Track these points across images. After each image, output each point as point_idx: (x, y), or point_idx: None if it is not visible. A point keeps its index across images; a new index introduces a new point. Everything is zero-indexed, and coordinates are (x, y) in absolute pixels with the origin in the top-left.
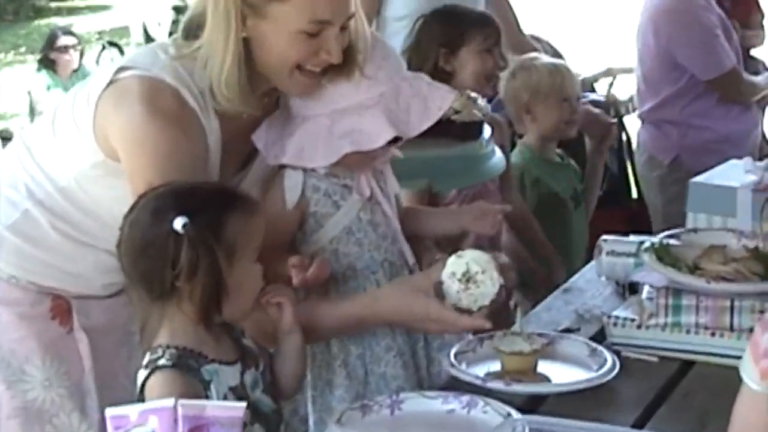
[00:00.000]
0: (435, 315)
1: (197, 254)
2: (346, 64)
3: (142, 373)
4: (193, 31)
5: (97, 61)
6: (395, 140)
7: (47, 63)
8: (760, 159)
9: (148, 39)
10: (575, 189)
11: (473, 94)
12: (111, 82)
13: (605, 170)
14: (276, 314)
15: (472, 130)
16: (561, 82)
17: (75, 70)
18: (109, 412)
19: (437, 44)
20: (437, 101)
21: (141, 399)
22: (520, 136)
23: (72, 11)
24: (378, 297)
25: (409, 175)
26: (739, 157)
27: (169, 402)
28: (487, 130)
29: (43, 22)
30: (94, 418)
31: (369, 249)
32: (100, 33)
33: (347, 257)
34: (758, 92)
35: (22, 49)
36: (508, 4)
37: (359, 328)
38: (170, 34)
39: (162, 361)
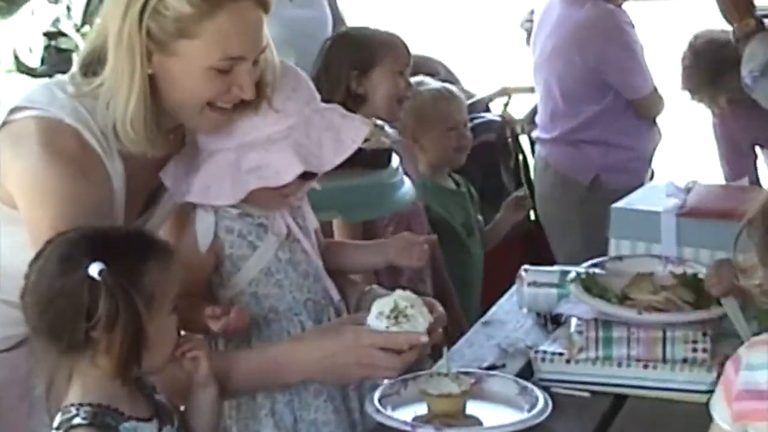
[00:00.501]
0: (367, 340)
1: (116, 304)
2: (254, 98)
3: None
4: (92, 67)
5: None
6: (309, 175)
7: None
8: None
9: (20, 66)
10: (467, 217)
11: (379, 122)
12: (4, 124)
13: (502, 189)
14: (191, 367)
15: (381, 158)
16: (446, 110)
17: None
18: None
19: (348, 67)
20: (351, 134)
21: None
22: None
23: None
24: (300, 339)
25: (316, 206)
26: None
27: None
28: (395, 159)
29: None
30: None
31: (290, 289)
32: None
33: (268, 299)
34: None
35: None
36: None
37: (277, 376)
38: (42, 61)
39: (77, 420)
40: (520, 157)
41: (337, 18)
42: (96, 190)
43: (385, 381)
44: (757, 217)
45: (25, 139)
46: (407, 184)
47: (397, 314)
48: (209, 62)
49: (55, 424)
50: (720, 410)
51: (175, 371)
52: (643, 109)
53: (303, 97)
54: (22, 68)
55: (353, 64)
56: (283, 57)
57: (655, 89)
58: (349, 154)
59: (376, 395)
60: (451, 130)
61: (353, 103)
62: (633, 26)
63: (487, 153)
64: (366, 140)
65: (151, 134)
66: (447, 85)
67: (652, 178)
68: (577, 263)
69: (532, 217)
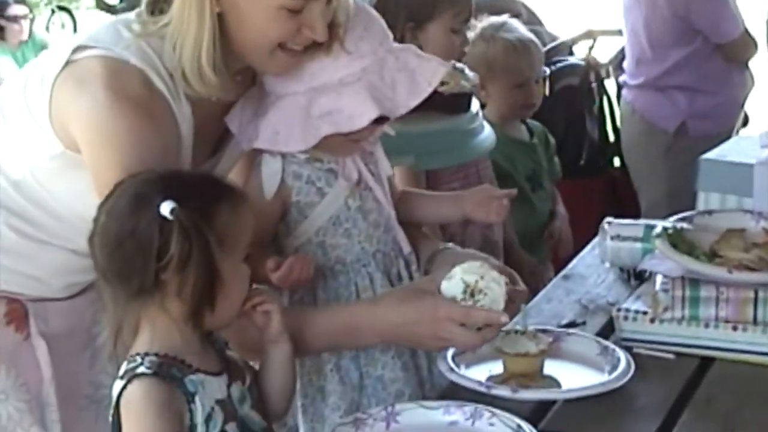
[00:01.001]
0: (445, 313)
1: (189, 242)
2: (326, 41)
3: (118, 384)
4: (159, 4)
5: (47, 27)
6: (382, 119)
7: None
8: (744, 125)
9: (100, 4)
10: (534, 169)
11: (459, 65)
12: (68, 63)
13: (585, 135)
14: (262, 322)
15: (460, 103)
16: (516, 65)
17: (25, 41)
18: None
19: (405, 17)
20: (426, 75)
21: (117, 413)
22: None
23: None
24: (377, 301)
25: (391, 151)
26: (735, 124)
27: None
28: (475, 103)
29: None
30: (56, 431)
31: (359, 240)
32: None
33: (335, 249)
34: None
35: None
36: None
37: (353, 339)
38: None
39: (141, 369)
40: (605, 102)
41: None
42: (163, 134)
43: None
44: None
45: (89, 81)
46: (487, 130)
47: (471, 292)
48: (280, 1)
49: (120, 372)
50: None
51: (248, 327)
52: (732, 54)
53: (376, 36)
54: (102, 5)
55: (410, 14)
56: None
57: (745, 32)
58: (424, 97)
59: (450, 352)
60: (518, 87)
61: None
62: None
63: (570, 98)
64: (444, 83)
65: (222, 77)
66: (524, 36)
67: (745, 125)
68: (662, 213)
69: (617, 163)
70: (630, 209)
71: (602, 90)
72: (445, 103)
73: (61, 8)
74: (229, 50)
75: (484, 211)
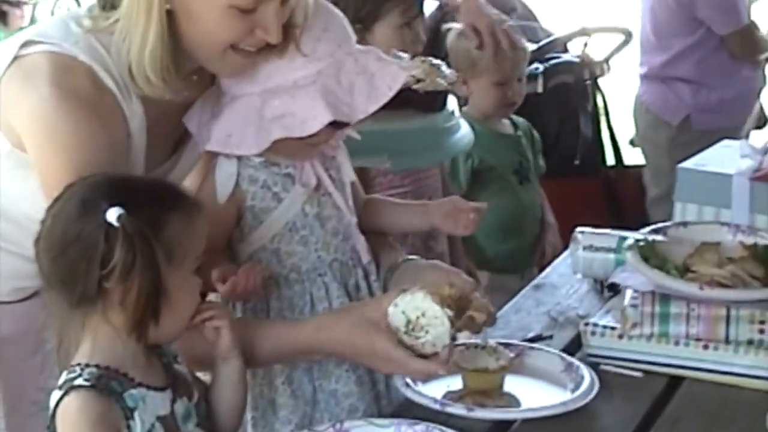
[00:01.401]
0: (383, 353)
1: (134, 251)
2: (281, 42)
3: (55, 395)
4: (110, 0)
5: (52, 12)
6: (341, 124)
7: None
8: (759, 127)
9: None
10: (521, 162)
11: (436, 61)
12: (15, 59)
13: (578, 134)
14: (212, 338)
15: (436, 101)
16: (500, 63)
17: (26, 27)
18: None
19: (351, 19)
20: (387, 80)
21: (52, 424)
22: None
23: None
24: (321, 326)
25: (365, 151)
26: (744, 121)
27: None
28: (452, 101)
29: None
30: None
31: (316, 248)
32: None
33: (291, 257)
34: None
35: None
36: None
37: (299, 357)
38: None
39: (79, 381)
40: (600, 100)
41: None
42: (111, 133)
43: None
44: None
45: (35, 77)
46: (464, 128)
47: (413, 327)
48: (230, 0)
49: (60, 382)
50: None
51: (197, 339)
52: (736, 47)
53: (335, 38)
54: None
55: (356, 16)
56: None
57: (751, 26)
58: (383, 102)
59: None
60: (500, 85)
61: None
62: None
63: (564, 95)
64: (420, 81)
65: (168, 76)
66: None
67: (761, 126)
68: (665, 212)
69: (611, 162)
70: (627, 210)
71: (596, 88)
72: (421, 101)
73: None
74: (180, 49)
75: (452, 224)
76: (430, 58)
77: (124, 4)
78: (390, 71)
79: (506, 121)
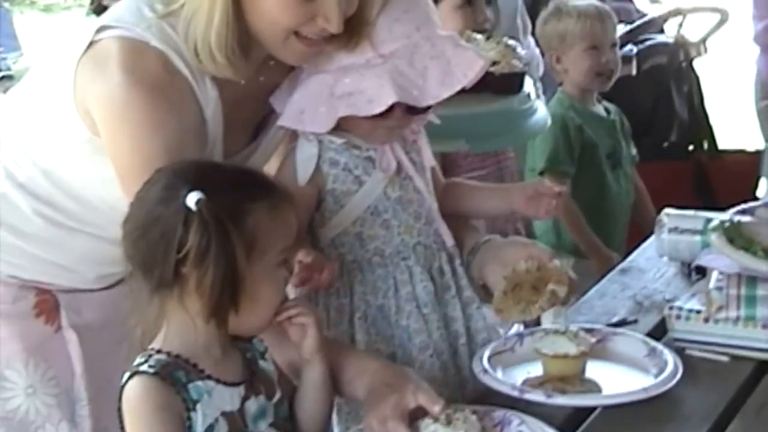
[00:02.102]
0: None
1: (208, 235)
2: (349, 34)
3: (124, 377)
4: None
5: None
6: (420, 110)
7: (99, 9)
8: None
9: None
10: (614, 147)
11: (511, 42)
12: (90, 44)
13: (673, 115)
14: (297, 336)
15: (512, 83)
16: (589, 28)
17: None
18: None
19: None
20: (462, 66)
21: (120, 405)
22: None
23: None
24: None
25: (441, 134)
26: None
27: None
28: (528, 83)
29: None
30: (86, 427)
31: (399, 231)
32: None
33: (373, 241)
34: None
35: None
36: None
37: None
38: None
39: (144, 367)
40: (694, 83)
41: None
42: (183, 117)
43: (501, 332)
44: None
45: (107, 62)
46: (541, 111)
47: None
48: None
49: (132, 364)
50: None
51: (287, 344)
52: None
53: (414, 20)
54: None
55: None
56: None
57: None
58: (457, 89)
59: (486, 352)
60: (593, 49)
61: None
62: None
63: (658, 77)
64: (496, 63)
65: (233, 57)
66: (597, 3)
67: None
68: None
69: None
70: (719, 195)
71: (692, 69)
72: (497, 83)
73: None
74: (247, 33)
75: (534, 208)
76: (505, 39)
77: None
78: (467, 58)
79: (600, 105)
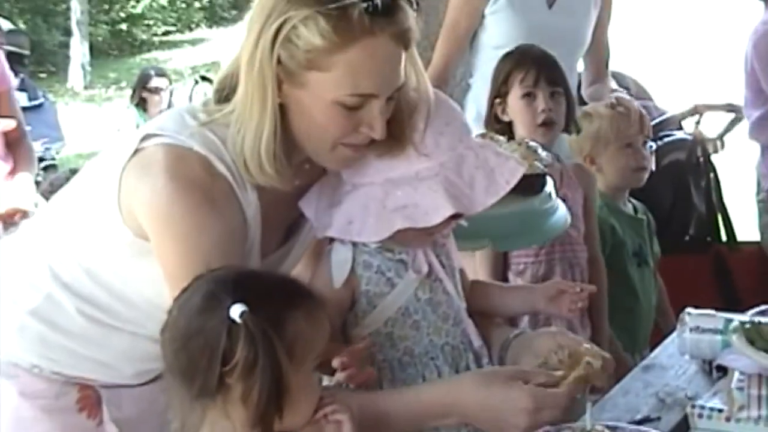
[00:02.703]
0: (541, 400)
1: (255, 349)
2: (395, 139)
3: None
4: (225, 92)
5: (190, 97)
6: (457, 215)
7: (137, 102)
8: None
9: None
10: (641, 245)
11: (533, 143)
12: (135, 152)
13: (691, 209)
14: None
15: (534, 184)
16: (622, 127)
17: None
18: None
19: (492, 97)
20: (506, 174)
21: None
22: None
23: (172, 45)
24: (462, 381)
25: (466, 235)
26: None
27: None
28: (549, 183)
29: (145, 56)
30: None
31: (428, 332)
32: (193, 68)
33: (404, 341)
34: None
35: (123, 84)
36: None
37: (436, 419)
38: None
39: None
40: (712, 177)
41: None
42: (226, 219)
43: None
44: None
45: (152, 168)
46: (561, 210)
47: None
48: (336, 96)
49: None
50: None
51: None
52: None
53: (456, 132)
54: None
55: (495, 93)
56: None
57: None
58: (501, 196)
59: None
60: (628, 147)
61: (500, 131)
62: None
63: (677, 172)
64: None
65: (281, 166)
66: (625, 101)
67: None
68: None
69: (724, 237)
70: (739, 287)
71: (710, 165)
72: (520, 184)
73: (204, 78)
74: (291, 141)
75: (556, 307)
76: (527, 140)
77: (239, 97)
78: (509, 166)
79: (629, 204)
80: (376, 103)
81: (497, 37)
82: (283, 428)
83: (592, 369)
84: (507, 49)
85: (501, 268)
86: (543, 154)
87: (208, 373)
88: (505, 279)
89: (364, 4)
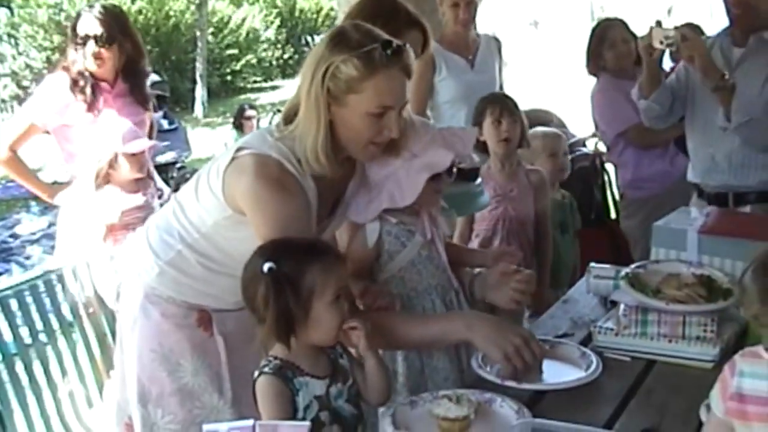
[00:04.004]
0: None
1: (269, 292)
2: (397, 142)
3: (255, 374)
4: (290, 117)
5: (270, 122)
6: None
7: (237, 125)
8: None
9: None
10: (563, 219)
11: None
12: (233, 159)
13: (593, 199)
14: (355, 340)
15: (472, 175)
16: (549, 144)
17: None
18: (206, 427)
19: (473, 124)
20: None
21: (254, 394)
22: None
23: (259, 90)
24: (472, 326)
25: (444, 208)
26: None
27: (249, 422)
28: (479, 175)
29: (242, 96)
30: (229, 397)
31: (426, 277)
32: (272, 104)
33: (411, 282)
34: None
35: (228, 115)
36: None
37: (436, 335)
38: None
39: (266, 369)
40: (606, 178)
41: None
42: (295, 204)
43: None
44: (758, 268)
45: (246, 170)
46: (486, 194)
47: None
48: (368, 109)
49: (259, 366)
50: (716, 403)
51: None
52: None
53: (427, 126)
54: None
55: (475, 121)
56: (457, 110)
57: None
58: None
59: (480, 354)
60: (554, 157)
61: (481, 148)
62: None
63: (584, 174)
64: (461, 163)
65: (329, 162)
66: (553, 130)
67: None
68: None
69: (613, 216)
70: (625, 249)
71: (604, 170)
72: (464, 174)
73: (278, 111)
74: (337, 144)
75: (501, 296)
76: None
77: (300, 118)
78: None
79: (558, 192)
80: (393, 112)
81: (445, 95)
82: (317, 340)
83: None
84: (454, 102)
85: (467, 233)
86: (475, 157)
87: (254, 306)
88: (470, 237)
89: (383, 49)
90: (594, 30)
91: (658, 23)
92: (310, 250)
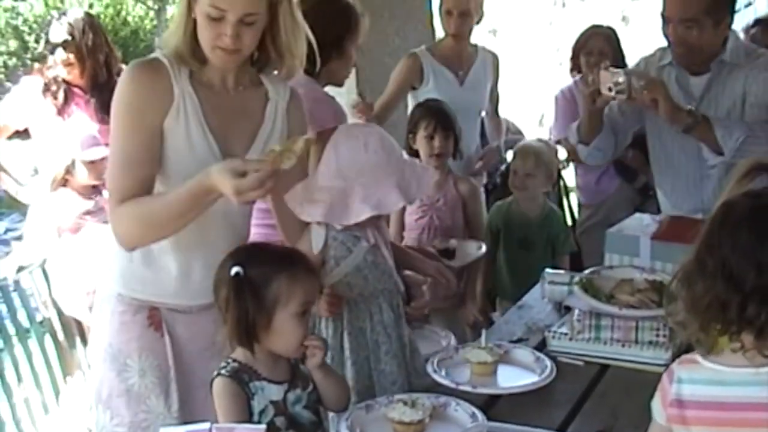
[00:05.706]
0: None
1: (231, 295)
2: (279, 59)
3: (214, 374)
4: None
5: None
6: None
7: None
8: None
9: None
10: (525, 236)
11: None
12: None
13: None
14: (310, 355)
15: None
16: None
17: None
18: (163, 430)
19: (407, 132)
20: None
21: (210, 395)
22: None
23: None
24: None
25: None
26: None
27: (206, 425)
28: None
29: None
30: (175, 399)
31: (372, 282)
32: None
33: (357, 287)
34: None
35: None
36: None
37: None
38: None
39: (223, 371)
40: (561, 183)
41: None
42: (143, 87)
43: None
44: (684, 276)
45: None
46: None
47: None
48: (204, 9)
49: (219, 367)
50: (657, 410)
51: None
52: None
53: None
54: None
55: (408, 129)
56: None
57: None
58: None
59: (435, 359)
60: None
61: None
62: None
63: None
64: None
65: (193, 57)
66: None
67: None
68: None
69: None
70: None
71: (560, 176)
72: None
73: None
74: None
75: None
76: None
77: (172, 20)
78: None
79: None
80: (229, 17)
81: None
82: (278, 350)
83: (295, 144)
84: None
85: (400, 228)
86: None
87: (219, 305)
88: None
89: None
90: (583, 32)
91: (606, 67)
92: (281, 259)
